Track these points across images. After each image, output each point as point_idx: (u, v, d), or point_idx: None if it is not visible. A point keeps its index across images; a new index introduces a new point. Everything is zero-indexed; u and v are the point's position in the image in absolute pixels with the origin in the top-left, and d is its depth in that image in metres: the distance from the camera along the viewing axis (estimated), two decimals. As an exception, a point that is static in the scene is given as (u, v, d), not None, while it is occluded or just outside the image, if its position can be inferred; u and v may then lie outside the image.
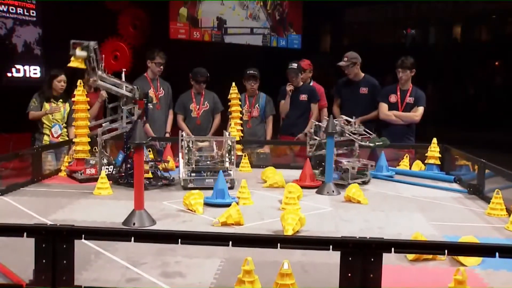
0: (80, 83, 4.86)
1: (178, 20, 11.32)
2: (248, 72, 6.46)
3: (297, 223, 3.11)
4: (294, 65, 6.42)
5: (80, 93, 4.77)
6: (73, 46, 4.22)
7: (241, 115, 6.07)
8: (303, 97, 6.48)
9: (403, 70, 6.05)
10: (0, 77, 9.11)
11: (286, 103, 6.50)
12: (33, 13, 9.60)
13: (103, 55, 4.49)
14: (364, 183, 4.68)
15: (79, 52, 4.17)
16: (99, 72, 4.33)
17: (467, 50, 17.08)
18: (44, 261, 2.06)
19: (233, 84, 5.95)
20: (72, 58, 4.21)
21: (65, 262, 2.07)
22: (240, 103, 6.03)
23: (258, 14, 12.91)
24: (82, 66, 4.23)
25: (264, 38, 13.04)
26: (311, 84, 6.76)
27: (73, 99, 4.64)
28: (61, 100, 6.13)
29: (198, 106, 6.47)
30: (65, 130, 6.21)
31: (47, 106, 6.02)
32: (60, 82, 6.04)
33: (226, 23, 12.07)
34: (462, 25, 18.17)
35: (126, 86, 4.49)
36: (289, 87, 6.43)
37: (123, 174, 4.48)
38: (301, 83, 6.53)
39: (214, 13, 12.03)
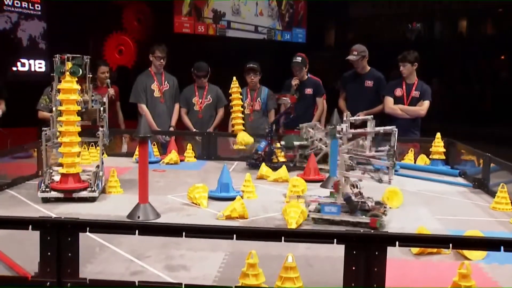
0: None
1: (182, 8, 11.19)
2: (247, 65, 6.47)
3: (300, 216, 3.11)
4: (299, 59, 6.40)
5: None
6: (63, 60, 3.72)
7: (242, 109, 6.06)
8: (308, 90, 6.46)
9: (403, 63, 6.04)
10: (5, 71, 9.14)
11: None
12: (38, 7, 9.61)
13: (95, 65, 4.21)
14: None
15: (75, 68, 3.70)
16: (92, 94, 3.97)
17: (473, 44, 16.98)
18: (49, 253, 2.07)
19: (234, 78, 5.95)
20: (68, 77, 3.65)
21: (70, 255, 2.08)
22: (241, 97, 6.03)
23: (270, 13, 12.83)
24: (78, 86, 3.72)
25: (269, 32, 12.97)
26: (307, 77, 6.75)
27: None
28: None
29: (200, 100, 6.47)
30: None
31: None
32: None
33: (225, 16, 11.97)
34: (468, 19, 18.06)
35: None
36: (295, 81, 6.39)
37: (261, 158, 4.96)
38: (306, 76, 6.51)
39: (225, 7, 11.95)
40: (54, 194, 3.67)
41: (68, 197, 3.66)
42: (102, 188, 3.89)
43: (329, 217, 3.16)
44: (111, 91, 6.20)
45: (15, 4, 9.22)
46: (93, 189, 3.70)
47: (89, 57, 3.90)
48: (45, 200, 3.67)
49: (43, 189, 3.68)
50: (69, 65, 3.67)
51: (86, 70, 3.88)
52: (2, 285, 2.08)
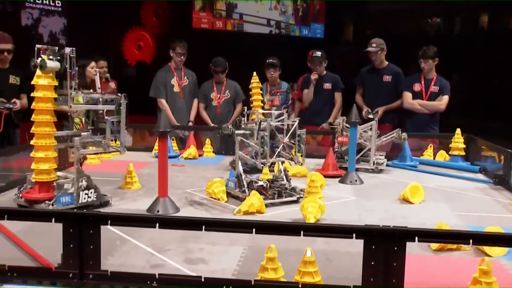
0: None
1: (195, 3, 11.20)
2: (267, 61, 6.48)
3: (318, 210, 3.11)
4: (318, 53, 6.41)
5: None
6: (39, 53, 3.18)
7: (262, 104, 6.07)
8: (327, 85, 6.46)
9: (425, 60, 5.97)
10: (27, 67, 9.28)
11: (310, 91, 6.47)
12: (58, 3, 9.73)
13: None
14: None
15: (50, 63, 3.16)
16: (73, 92, 3.37)
17: (494, 39, 16.71)
18: (71, 245, 2.10)
19: (254, 73, 5.96)
20: (38, 72, 3.15)
21: (91, 247, 2.12)
22: (261, 92, 6.03)
23: (284, 8, 12.80)
24: (54, 82, 3.20)
25: (287, 27, 12.94)
26: None
27: None
28: (91, 90, 6.12)
29: (218, 95, 6.50)
30: None
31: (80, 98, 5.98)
32: (92, 68, 6.03)
33: (237, 7, 11.93)
34: (488, 13, 17.77)
35: (107, 99, 3.69)
36: (314, 76, 6.40)
37: None
38: (325, 71, 6.50)
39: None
40: (21, 201, 3.28)
41: (31, 207, 3.19)
42: (85, 203, 3.29)
43: (229, 190, 3.71)
44: (112, 85, 6.19)
45: (37, 1, 9.35)
46: (51, 203, 3.17)
47: (73, 48, 3.30)
48: (19, 206, 3.28)
49: (18, 195, 3.33)
50: (45, 58, 3.16)
51: (68, 65, 3.28)
52: (27, 275, 2.13)
